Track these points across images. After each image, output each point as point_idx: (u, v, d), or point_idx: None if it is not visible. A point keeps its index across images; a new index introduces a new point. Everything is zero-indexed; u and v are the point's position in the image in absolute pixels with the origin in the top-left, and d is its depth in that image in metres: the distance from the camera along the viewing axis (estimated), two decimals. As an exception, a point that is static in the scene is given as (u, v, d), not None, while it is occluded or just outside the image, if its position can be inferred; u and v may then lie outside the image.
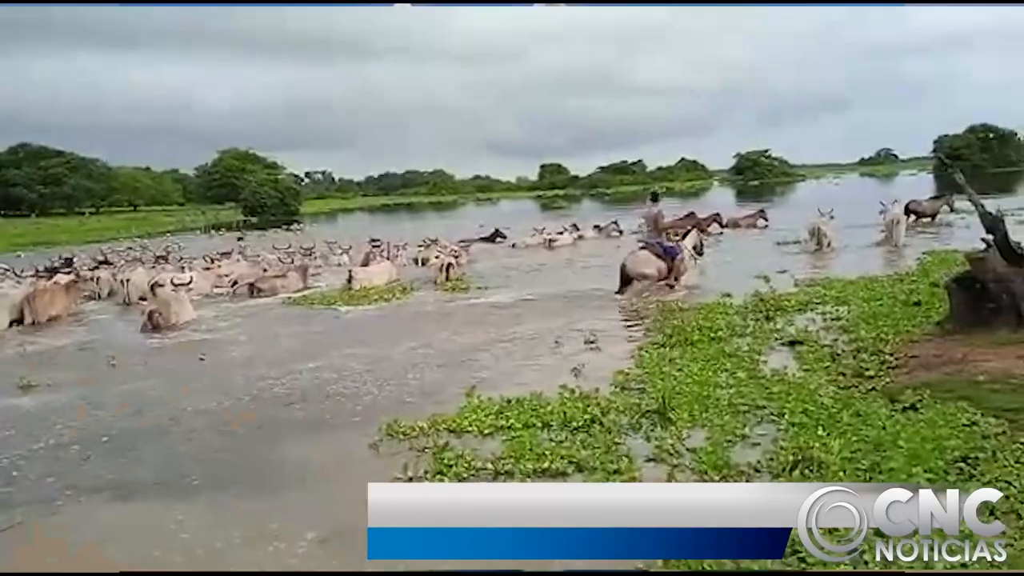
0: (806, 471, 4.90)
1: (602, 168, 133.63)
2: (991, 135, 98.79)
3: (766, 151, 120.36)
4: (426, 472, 5.47)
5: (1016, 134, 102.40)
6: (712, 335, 9.19)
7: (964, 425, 5.41)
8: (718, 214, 28.41)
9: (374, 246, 22.85)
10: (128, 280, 17.19)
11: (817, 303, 10.94)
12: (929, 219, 24.52)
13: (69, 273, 18.52)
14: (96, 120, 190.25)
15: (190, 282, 14.65)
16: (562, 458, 5.49)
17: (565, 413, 6.45)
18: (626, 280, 13.32)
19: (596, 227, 28.56)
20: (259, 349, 10.93)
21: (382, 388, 8.20)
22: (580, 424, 6.23)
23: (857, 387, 6.82)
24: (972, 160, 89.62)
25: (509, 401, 6.97)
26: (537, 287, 15.58)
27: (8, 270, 19.80)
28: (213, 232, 49.77)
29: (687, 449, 5.58)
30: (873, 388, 6.72)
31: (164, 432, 7.15)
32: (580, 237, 26.98)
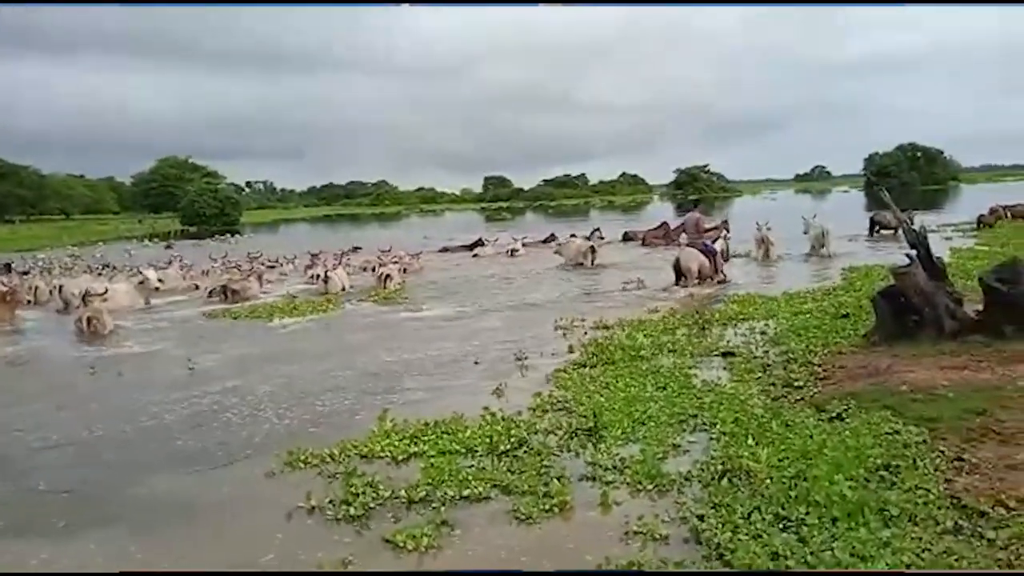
0: (734, 480, 5.00)
1: (546, 181, 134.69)
2: (919, 153, 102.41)
3: (705, 166, 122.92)
4: (331, 501, 5.20)
5: (942, 152, 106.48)
6: (633, 353, 9.00)
7: (887, 434, 5.56)
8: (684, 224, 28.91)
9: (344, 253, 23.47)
10: (61, 287, 17.05)
11: (747, 318, 11.08)
12: (892, 231, 25.18)
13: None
14: (28, 125, 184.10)
15: (105, 292, 14.46)
16: (486, 482, 5.32)
17: (491, 437, 6.19)
18: (679, 274, 14.99)
19: (585, 237, 28.64)
20: (169, 368, 10.31)
21: (288, 411, 7.72)
22: (507, 448, 6.00)
23: (786, 397, 6.99)
24: (901, 177, 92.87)
25: (426, 424, 6.69)
26: (480, 299, 15.55)
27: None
28: (148, 242, 48.58)
29: (621, 464, 5.56)
30: (802, 398, 6.89)
31: (20, 464, 6.61)
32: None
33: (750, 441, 5.63)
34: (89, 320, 13.13)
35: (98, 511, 5.48)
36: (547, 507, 4.92)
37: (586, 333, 10.59)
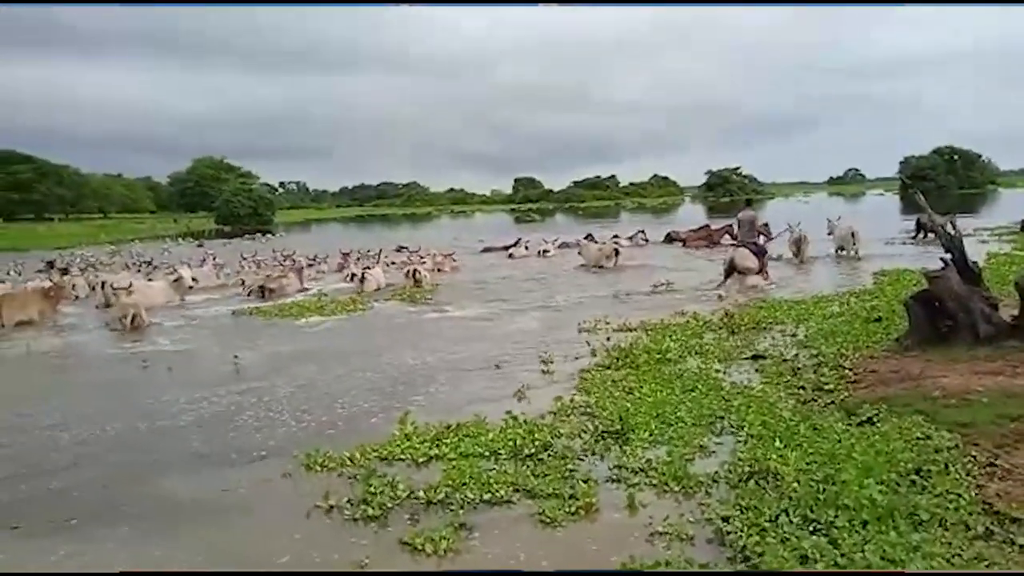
0: (761, 482, 4.98)
1: (576, 183, 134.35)
2: (956, 156, 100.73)
3: (737, 168, 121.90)
4: (349, 501, 5.22)
5: (980, 156, 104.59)
6: (658, 356, 8.92)
7: (918, 439, 5.50)
8: (730, 226, 28.87)
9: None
10: (104, 283, 17.47)
11: (777, 321, 10.97)
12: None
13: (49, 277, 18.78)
14: (68, 126, 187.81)
15: (130, 286, 15.01)
16: (508, 485, 5.28)
17: (514, 441, 6.12)
18: (730, 272, 15.33)
19: (628, 237, 29.44)
20: (195, 366, 10.42)
21: (307, 413, 7.69)
22: (531, 451, 5.93)
23: (816, 401, 6.94)
24: (937, 181, 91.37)
25: (448, 427, 6.64)
26: (509, 299, 15.59)
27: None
28: (180, 240, 49.37)
29: (647, 467, 5.53)
30: (832, 402, 6.84)
31: (36, 461, 6.65)
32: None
33: (778, 444, 5.61)
34: (134, 316, 13.65)
35: (115, 510, 5.48)
36: (572, 509, 4.89)
37: (608, 338, 10.44)
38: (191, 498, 5.64)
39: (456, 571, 4.33)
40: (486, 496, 5.17)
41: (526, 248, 27.72)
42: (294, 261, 22.83)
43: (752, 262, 15.40)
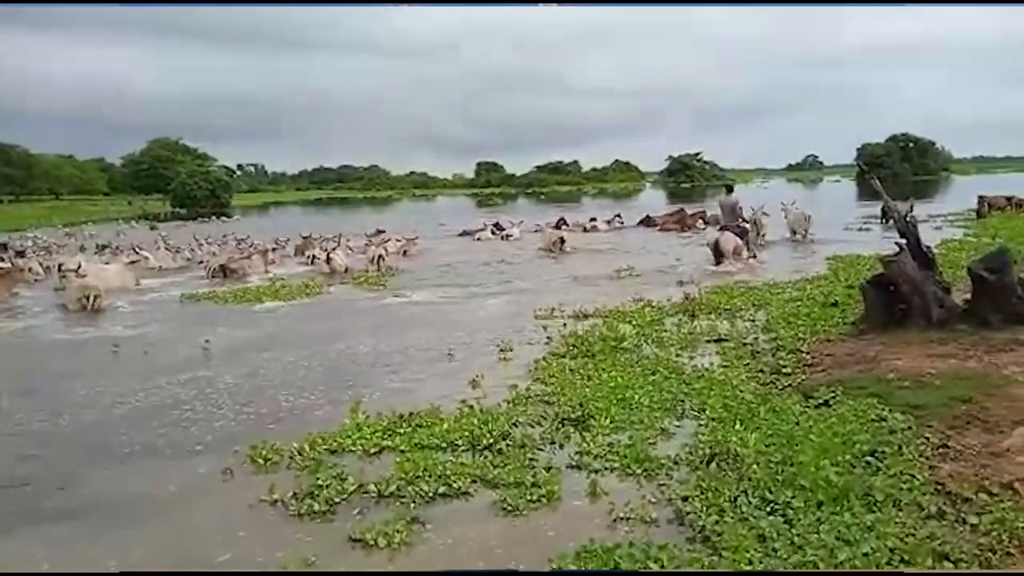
0: (722, 464, 5.04)
1: (538, 167, 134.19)
2: (911, 144, 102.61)
3: (698, 154, 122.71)
4: (294, 495, 5.02)
5: (935, 144, 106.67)
6: (614, 344, 8.81)
7: (873, 420, 5.62)
8: (704, 211, 29.46)
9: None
10: (60, 265, 16.89)
11: (737, 307, 11.04)
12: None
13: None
14: (15, 104, 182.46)
15: (79, 267, 14.70)
16: (466, 477, 5.13)
17: (471, 431, 5.95)
18: (719, 255, 16.11)
19: (607, 221, 30.57)
20: (143, 353, 10.07)
21: (252, 403, 7.43)
22: (489, 442, 5.76)
23: (775, 384, 7.04)
24: (893, 168, 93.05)
25: (400, 416, 6.43)
26: (468, 284, 15.57)
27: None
28: (134, 223, 48.45)
29: (608, 451, 5.53)
30: (790, 385, 6.94)
31: None
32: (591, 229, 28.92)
33: (738, 426, 5.68)
34: (95, 298, 13.58)
35: (47, 506, 5.22)
36: (534, 498, 4.82)
37: (565, 324, 10.29)
38: (122, 494, 5.36)
39: (457, 571, 4.30)
40: (442, 489, 5.02)
41: (492, 232, 27.72)
42: (253, 245, 22.59)
43: (734, 244, 16.32)
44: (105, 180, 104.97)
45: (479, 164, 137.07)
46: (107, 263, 18.66)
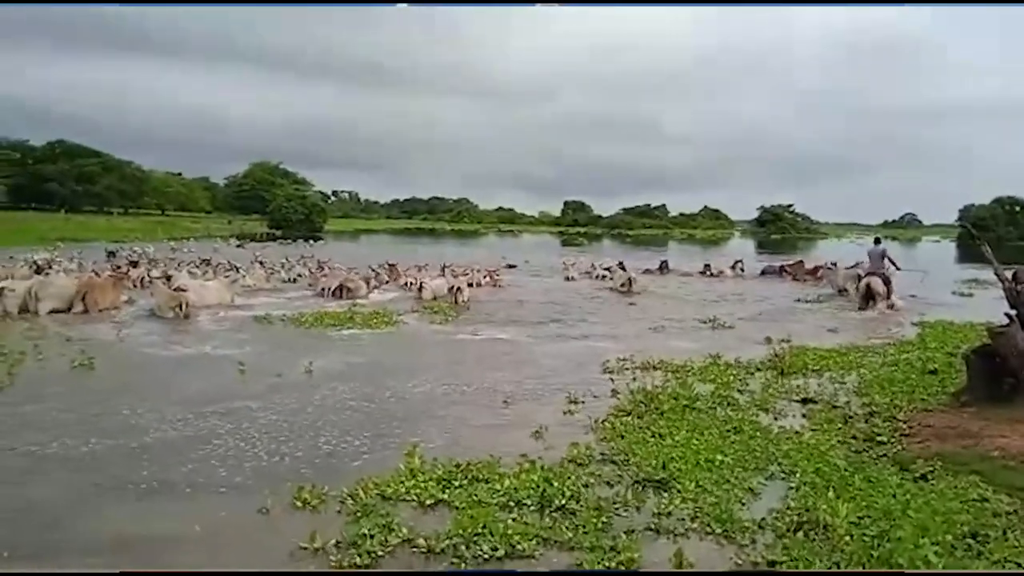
0: (811, 533, 4.86)
1: (625, 209, 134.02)
2: (1017, 207, 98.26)
3: (790, 206, 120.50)
4: (337, 542, 4.74)
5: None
6: (686, 403, 8.27)
7: (975, 500, 5.36)
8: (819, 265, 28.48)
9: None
10: (169, 277, 18.39)
11: (827, 367, 10.60)
12: None
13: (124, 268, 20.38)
14: (133, 124, 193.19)
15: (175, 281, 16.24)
16: (533, 538, 4.78)
17: (539, 489, 5.56)
18: (869, 297, 18.32)
19: (731, 267, 30.13)
20: (211, 374, 9.89)
21: (301, 441, 7.00)
22: (561, 502, 5.36)
23: (868, 452, 6.77)
24: (997, 231, 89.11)
25: (457, 465, 6.07)
26: (544, 326, 15.19)
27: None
28: (230, 241, 50.50)
29: (693, 514, 5.24)
30: (884, 455, 6.66)
31: None
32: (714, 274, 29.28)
33: (830, 494, 5.47)
34: (184, 304, 14.75)
35: (68, 540, 4.88)
36: (612, 563, 4.52)
37: (635, 379, 9.70)
38: (157, 531, 5.02)
39: (456, 571, 4.27)
40: (504, 549, 4.67)
41: (578, 272, 27.65)
42: (326, 268, 23.74)
43: (883, 288, 18.38)
44: (208, 199, 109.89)
45: (566, 203, 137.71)
46: (208, 279, 19.43)
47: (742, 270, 29.74)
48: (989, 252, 9.25)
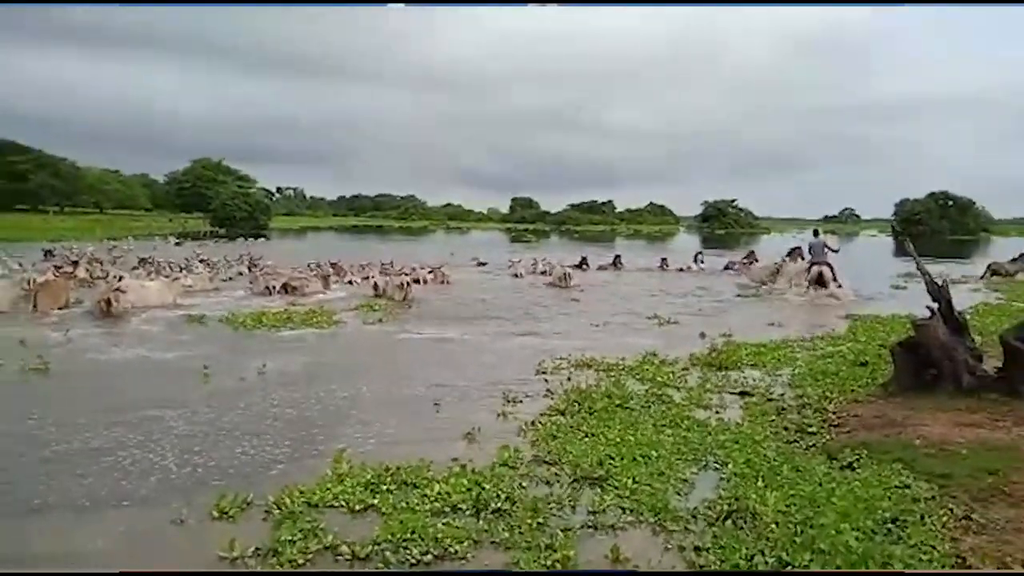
0: (739, 521, 5.04)
1: (572, 205, 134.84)
2: (950, 202, 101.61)
3: (733, 201, 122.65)
4: (257, 549, 4.69)
5: (974, 203, 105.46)
6: (619, 403, 8.25)
7: (896, 487, 5.59)
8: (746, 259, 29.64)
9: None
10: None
11: (762, 362, 10.81)
12: (1011, 277, 27.67)
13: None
14: (66, 118, 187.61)
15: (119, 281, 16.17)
16: (465, 540, 4.78)
17: (478, 494, 5.49)
18: (823, 283, 20.40)
19: (693, 259, 31.30)
20: (120, 382, 9.49)
21: (199, 456, 6.60)
22: (498, 505, 5.34)
23: (799, 442, 7.01)
24: (931, 225, 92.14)
25: (387, 469, 6.00)
26: (486, 323, 15.12)
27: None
28: (168, 238, 49.53)
29: (628, 508, 5.36)
30: (814, 444, 6.91)
31: None
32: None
33: (760, 483, 5.67)
34: (108, 300, 14.95)
35: None
36: (548, 562, 4.57)
37: (569, 378, 9.66)
38: (64, 545, 4.89)
39: (456, 571, 4.33)
40: (436, 551, 4.68)
41: (529, 269, 27.74)
42: (261, 266, 23.47)
43: (830, 274, 20.65)
44: (148, 196, 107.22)
45: (514, 199, 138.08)
46: (151, 279, 19.12)
47: (702, 262, 30.29)
48: (911, 247, 9.64)
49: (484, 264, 30.74)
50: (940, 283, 8.92)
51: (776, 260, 24.73)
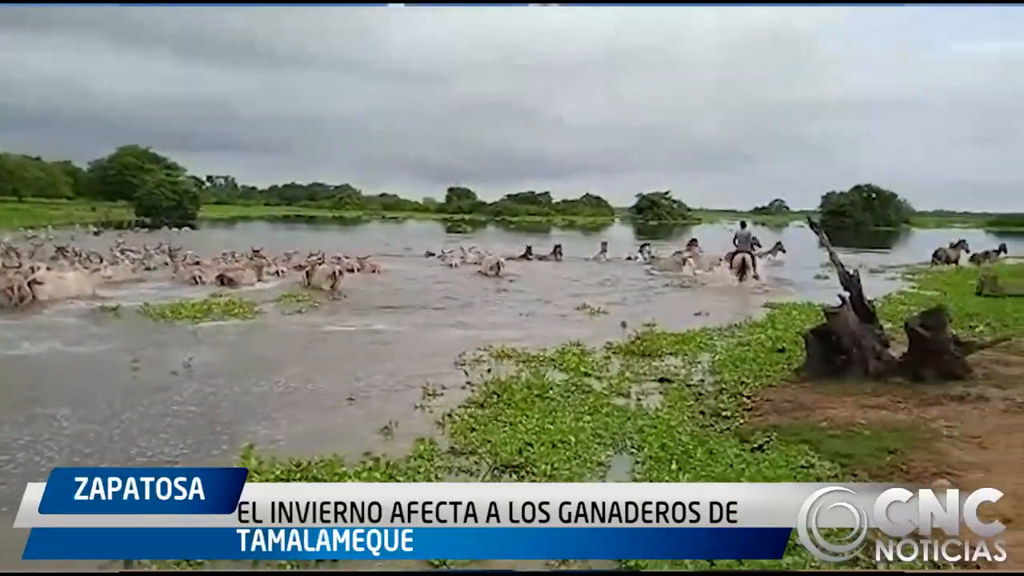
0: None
1: (509, 196, 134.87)
2: (874, 195, 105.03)
3: (666, 193, 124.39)
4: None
5: (896, 196, 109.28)
6: (538, 393, 8.25)
7: (802, 467, 5.86)
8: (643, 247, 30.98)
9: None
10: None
11: (683, 350, 11.00)
12: (953, 264, 28.74)
13: None
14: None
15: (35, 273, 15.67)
16: None
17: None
18: (743, 271, 21.43)
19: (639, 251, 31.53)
20: (20, 379, 9.06)
21: (91, 459, 6.29)
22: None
23: (714, 426, 7.24)
24: (855, 217, 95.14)
25: (298, 464, 5.83)
26: (413, 312, 15.15)
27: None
28: (90, 227, 47.94)
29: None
30: (728, 428, 7.15)
31: None
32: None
33: (674, 466, 5.85)
34: (18, 288, 14.63)
35: None
36: None
37: (489, 369, 9.65)
38: None
39: (457, 571, 4.36)
40: None
41: (461, 258, 27.64)
42: (184, 257, 22.96)
43: (751, 262, 21.80)
44: (70, 184, 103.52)
45: (450, 190, 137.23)
46: (70, 270, 18.46)
47: (650, 255, 30.34)
48: (825, 239, 10.02)
49: (432, 255, 30.46)
50: (851, 273, 9.29)
51: (679, 252, 26.98)
